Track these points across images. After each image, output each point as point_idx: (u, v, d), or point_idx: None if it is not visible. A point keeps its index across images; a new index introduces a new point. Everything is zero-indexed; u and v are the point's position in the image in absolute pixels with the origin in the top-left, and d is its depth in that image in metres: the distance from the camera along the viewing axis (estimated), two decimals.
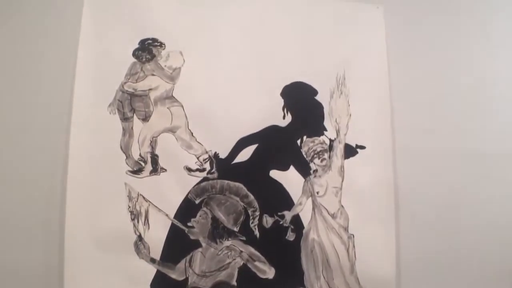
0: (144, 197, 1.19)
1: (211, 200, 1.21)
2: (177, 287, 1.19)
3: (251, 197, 1.21)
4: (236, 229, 1.21)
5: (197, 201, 1.21)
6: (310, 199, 1.23)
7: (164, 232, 1.20)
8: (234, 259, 1.20)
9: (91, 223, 1.18)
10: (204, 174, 1.22)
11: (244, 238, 1.21)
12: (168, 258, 1.20)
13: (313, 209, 1.23)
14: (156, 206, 1.20)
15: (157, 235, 1.19)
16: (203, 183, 1.22)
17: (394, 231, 1.24)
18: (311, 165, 1.24)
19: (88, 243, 1.17)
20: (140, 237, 1.19)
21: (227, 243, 1.21)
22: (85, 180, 1.19)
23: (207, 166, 1.22)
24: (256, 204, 1.21)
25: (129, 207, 1.19)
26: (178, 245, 1.20)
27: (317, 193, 1.23)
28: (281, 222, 1.22)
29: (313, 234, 1.22)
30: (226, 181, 1.22)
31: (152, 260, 1.19)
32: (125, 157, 1.21)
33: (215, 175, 1.22)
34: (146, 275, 1.19)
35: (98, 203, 1.19)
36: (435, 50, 1.34)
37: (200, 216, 1.21)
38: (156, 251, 1.19)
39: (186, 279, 1.20)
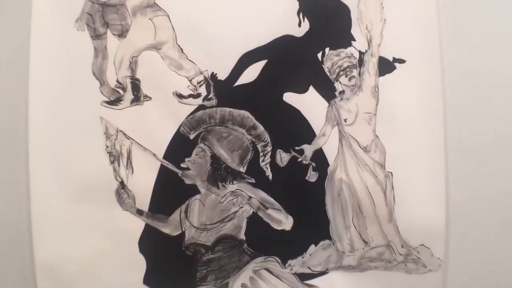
0: (125, 134, 1.05)
1: (210, 133, 1.06)
2: (172, 244, 1.06)
3: (261, 128, 1.05)
4: (242, 169, 1.06)
5: (191, 136, 1.06)
6: (336, 128, 1.07)
7: (152, 176, 1.06)
8: (242, 207, 1.06)
9: (61, 169, 1.04)
10: (199, 100, 1.05)
11: (253, 181, 1.06)
12: (158, 209, 1.06)
13: (340, 141, 1.07)
14: (140, 145, 1.05)
15: (143, 181, 1.06)
16: (199, 113, 1.05)
17: (444, 168, 1.05)
18: (336, 85, 1.07)
19: (59, 194, 1.04)
20: (122, 184, 1.05)
21: (232, 187, 1.06)
22: (51, 115, 1.04)
23: (202, 90, 1.05)
24: (267, 137, 1.06)
25: (107, 147, 1.05)
26: (170, 192, 1.06)
27: (345, 120, 1.06)
28: (299, 159, 1.06)
29: (340, 173, 1.07)
30: (228, 109, 1.06)
31: (139, 212, 1.06)
32: (99, 85, 1.05)
33: (214, 101, 1.06)
34: (133, 230, 1.06)
35: (68, 144, 1.04)
36: None
37: (196, 154, 1.05)
38: (143, 201, 1.06)
39: (183, 234, 1.06)
